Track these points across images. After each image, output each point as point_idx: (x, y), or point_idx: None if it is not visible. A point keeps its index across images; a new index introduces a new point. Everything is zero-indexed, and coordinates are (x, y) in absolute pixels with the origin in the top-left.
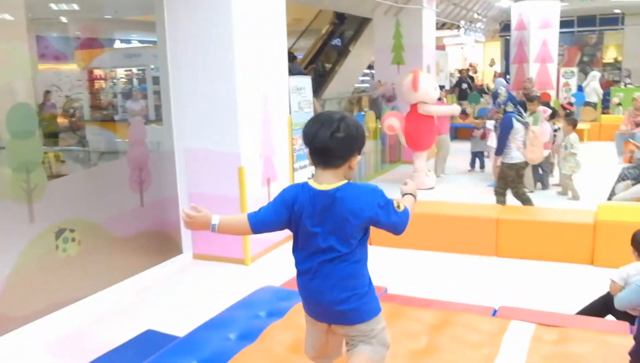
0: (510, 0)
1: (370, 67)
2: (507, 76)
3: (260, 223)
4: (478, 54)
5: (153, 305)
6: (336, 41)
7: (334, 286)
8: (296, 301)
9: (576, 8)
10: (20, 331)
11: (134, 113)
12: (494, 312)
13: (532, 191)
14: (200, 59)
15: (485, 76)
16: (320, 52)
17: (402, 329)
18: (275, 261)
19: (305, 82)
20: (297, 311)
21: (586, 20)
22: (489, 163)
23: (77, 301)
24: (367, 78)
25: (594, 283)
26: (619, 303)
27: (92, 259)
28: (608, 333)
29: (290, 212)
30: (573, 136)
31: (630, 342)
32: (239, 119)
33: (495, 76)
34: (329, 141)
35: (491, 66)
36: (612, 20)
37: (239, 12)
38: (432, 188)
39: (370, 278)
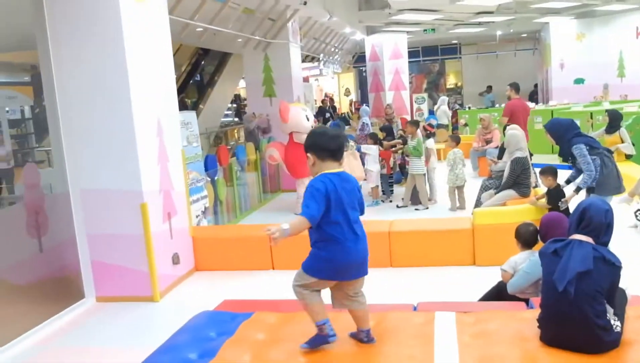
0: (363, 33)
1: (233, 101)
2: (364, 104)
3: (315, 218)
4: (333, 84)
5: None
6: (196, 77)
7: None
8: (240, 320)
9: (420, 39)
10: None
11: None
12: (415, 308)
13: (406, 206)
14: (93, 97)
15: (342, 105)
16: (183, 89)
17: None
18: (184, 293)
19: (191, 117)
20: (247, 327)
21: (430, 50)
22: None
23: None
24: (230, 112)
25: (478, 279)
26: (511, 288)
27: None
28: (512, 311)
29: (328, 201)
30: (455, 152)
31: (531, 315)
32: (139, 156)
33: (352, 105)
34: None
35: (347, 95)
36: (452, 50)
37: (131, 49)
38: None
39: None
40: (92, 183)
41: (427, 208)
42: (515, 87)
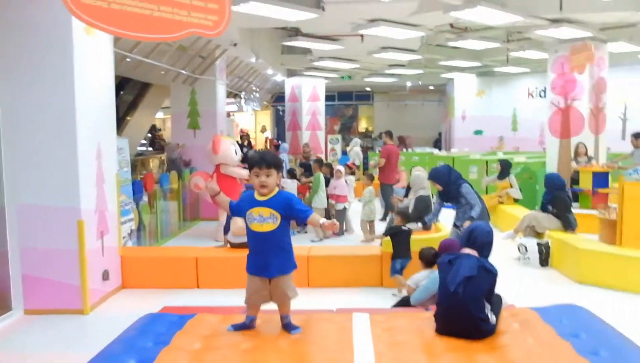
0: (283, 75)
1: (149, 131)
2: (282, 142)
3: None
4: (250, 121)
5: None
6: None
7: None
8: (186, 319)
9: (337, 85)
10: None
11: None
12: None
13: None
14: (39, 119)
15: (257, 142)
16: None
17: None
18: (113, 307)
19: (124, 143)
20: (194, 324)
21: (345, 96)
22: None
23: None
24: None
25: (386, 297)
26: (413, 301)
27: None
28: (415, 313)
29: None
30: (370, 190)
31: (429, 315)
32: (79, 176)
33: (267, 141)
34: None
35: (262, 132)
36: (365, 97)
37: (79, 76)
38: None
39: None
40: (30, 199)
41: (321, 239)
42: (390, 134)
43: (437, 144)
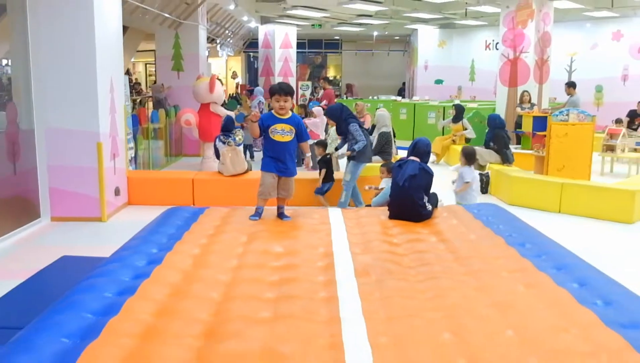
0: (257, 22)
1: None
2: (249, 87)
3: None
4: (221, 66)
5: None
6: None
7: None
8: (200, 211)
9: (308, 33)
10: None
11: None
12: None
13: None
14: (64, 55)
15: (227, 87)
16: None
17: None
18: (124, 217)
19: (125, 80)
20: (207, 215)
21: (315, 44)
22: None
23: None
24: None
25: None
26: (374, 203)
27: None
28: (374, 209)
29: None
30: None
31: (384, 209)
32: (98, 105)
33: (238, 87)
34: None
35: (233, 78)
36: (334, 45)
37: (98, 18)
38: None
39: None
40: (56, 123)
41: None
42: (327, 80)
43: (401, 92)
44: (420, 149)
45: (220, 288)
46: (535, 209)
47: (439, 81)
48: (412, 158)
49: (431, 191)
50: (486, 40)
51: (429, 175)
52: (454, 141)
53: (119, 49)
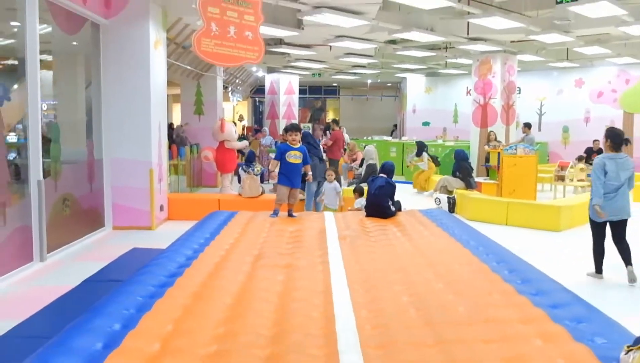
0: (264, 72)
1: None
2: (257, 127)
3: None
4: (229, 110)
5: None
6: None
7: None
8: (232, 214)
9: (308, 80)
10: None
11: None
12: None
13: None
14: (127, 101)
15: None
16: None
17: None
18: (168, 227)
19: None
20: (239, 216)
21: (315, 90)
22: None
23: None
24: None
25: None
26: (357, 205)
27: (67, 221)
28: (356, 212)
29: None
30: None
31: (362, 211)
32: (151, 140)
33: (244, 129)
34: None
35: (240, 120)
36: (332, 91)
37: (153, 73)
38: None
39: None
40: (119, 154)
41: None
42: (336, 122)
43: (393, 133)
44: (387, 169)
45: (254, 254)
46: (488, 223)
47: (426, 123)
48: (381, 175)
49: (396, 199)
50: (467, 87)
51: (393, 186)
52: (408, 167)
53: (164, 98)
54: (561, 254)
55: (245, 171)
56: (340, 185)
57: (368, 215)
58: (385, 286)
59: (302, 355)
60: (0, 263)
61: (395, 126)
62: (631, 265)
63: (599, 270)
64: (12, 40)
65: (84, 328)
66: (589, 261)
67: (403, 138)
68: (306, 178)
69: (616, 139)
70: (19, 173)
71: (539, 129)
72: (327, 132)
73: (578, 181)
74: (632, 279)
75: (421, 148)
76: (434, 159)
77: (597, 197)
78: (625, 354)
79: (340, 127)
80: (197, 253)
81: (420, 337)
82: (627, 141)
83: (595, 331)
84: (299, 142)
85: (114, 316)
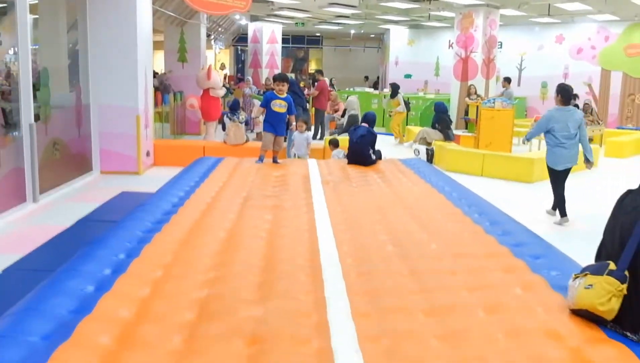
0: (247, 20)
1: None
2: (240, 76)
3: None
4: (210, 58)
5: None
6: None
7: None
8: (219, 160)
9: (291, 30)
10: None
11: None
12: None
13: None
14: (113, 46)
15: None
16: None
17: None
18: (154, 172)
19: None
20: (225, 162)
21: (298, 39)
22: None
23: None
24: None
25: None
26: (341, 155)
27: (57, 164)
28: (338, 160)
29: None
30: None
31: (344, 159)
32: (138, 86)
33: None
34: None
35: (222, 69)
36: (315, 41)
37: (139, 19)
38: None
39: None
40: (106, 100)
41: None
42: (320, 72)
43: (376, 85)
44: (369, 118)
45: (242, 195)
46: (464, 174)
47: (407, 76)
48: (363, 124)
49: (377, 148)
50: (449, 40)
51: (374, 136)
52: (390, 115)
53: (150, 45)
54: (532, 203)
55: (230, 119)
56: (323, 135)
57: (350, 163)
58: (365, 225)
59: (291, 282)
60: None
61: (378, 77)
62: (561, 209)
63: (563, 213)
64: None
65: (94, 256)
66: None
67: (385, 90)
68: (290, 127)
69: (565, 94)
70: (7, 117)
71: (519, 84)
72: (314, 83)
73: None
74: (563, 220)
75: (395, 89)
76: (406, 103)
77: (529, 135)
78: (573, 281)
79: (330, 79)
80: (188, 194)
81: (395, 268)
82: (576, 96)
83: (551, 265)
84: (286, 92)
85: (117, 248)
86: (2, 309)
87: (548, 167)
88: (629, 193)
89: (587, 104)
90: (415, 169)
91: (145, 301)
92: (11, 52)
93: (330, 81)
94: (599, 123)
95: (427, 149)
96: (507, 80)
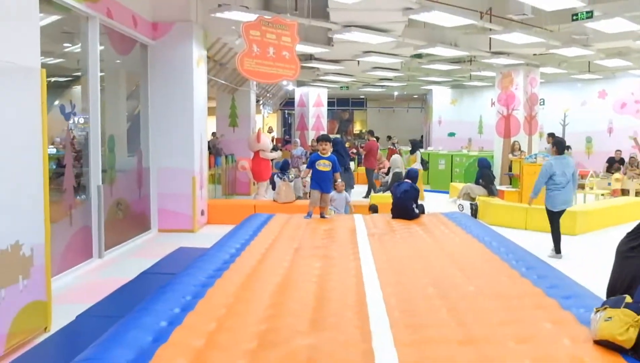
0: (294, 85)
1: None
2: (287, 138)
3: None
4: (259, 122)
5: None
6: None
7: None
8: (269, 217)
9: (336, 93)
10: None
11: None
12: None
13: None
14: (172, 115)
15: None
16: None
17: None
18: (208, 230)
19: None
20: (276, 218)
21: (342, 102)
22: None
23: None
24: None
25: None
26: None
27: (120, 223)
28: (382, 214)
29: None
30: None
31: (389, 213)
32: (194, 151)
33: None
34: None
35: (269, 132)
36: (360, 103)
37: (196, 90)
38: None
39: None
40: (165, 163)
41: None
42: (371, 132)
43: (420, 144)
44: (411, 175)
45: (293, 247)
46: (509, 228)
47: (451, 134)
48: (406, 180)
49: (420, 202)
50: (491, 99)
51: (416, 191)
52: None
53: (205, 111)
54: (573, 253)
55: (280, 178)
56: (369, 193)
57: (394, 217)
58: (407, 270)
59: (340, 318)
60: (67, 258)
61: (422, 136)
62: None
63: (558, 250)
64: (61, 60)
65: (164, 299)
66: (595, 261)
67: (429, 148)
68: (335, 184)
69: (560, 146)
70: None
71: None
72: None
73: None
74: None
75: (415, 146)
76: (424, 162)
77: (535, 192)
78: (595, 314)
79: (390, 138)
80: (244, 246)
81: (435, 306)
82: (569, 147)
83: (580, 304)
84: (329, 151)
85: (184, 291)
86: (77, 351)
87: (547, 210)
88: (626, 236)
89: (632, 157)
90: (457, 221)
91: (212, 334)
92: (77, 120)
93: (392, 141)
94: None
95: (471, 204)
96: (552, 135)
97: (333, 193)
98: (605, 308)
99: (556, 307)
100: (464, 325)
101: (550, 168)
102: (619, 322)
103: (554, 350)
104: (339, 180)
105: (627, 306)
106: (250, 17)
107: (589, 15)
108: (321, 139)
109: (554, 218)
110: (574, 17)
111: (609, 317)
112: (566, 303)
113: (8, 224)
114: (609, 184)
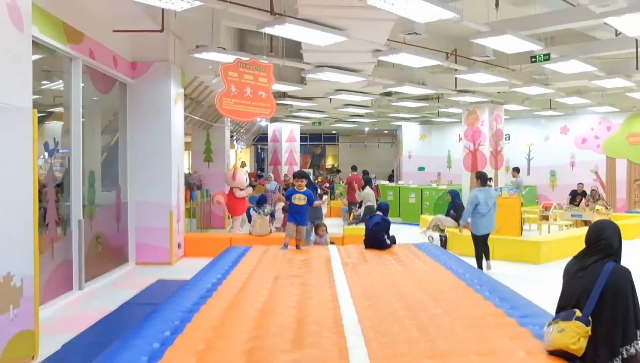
0: (267, 121)
1: None
2: (260, 173)
3: None
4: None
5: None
6: None
7: None
8: (247, 249)
9: (309, 128)
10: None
11: None
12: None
13: None
14: (150, 149)
15: None
16: None
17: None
18: (185, 262)
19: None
20: (254, 249)
21: (315, 137)
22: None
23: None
24: None
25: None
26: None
27: (99, 256)
28: (356, 246)
29: None
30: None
31: (362, 244)
32: (171, 185)
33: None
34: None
35: (242, 166)
36: (332, 138)
37: (173, 126)
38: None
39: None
40: (142, 197)
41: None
42: (353, 168)
43: (391, 178)
44: (382, 208)
45: (273, 274)
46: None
47: (421, 168)
48: (377, 212)
49: (391, 234)
50: (459, 135)
51: (388, 223)
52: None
53: (182, 148)
54: (535, 279)
55: (256, 211)
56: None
57: (367, 247)
58: (380, 295)
59: (319, 338)
60: (49, 290)
61: (393, 171)
62: (488, 259)
63: (480, 266)
64: (37, 96)
65: (154, 324)
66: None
67: (400, 182)
68: (318, 229)
69: (482, 178)
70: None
71: (528, 173)
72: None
73: (562, 220)
74: (488, 267)
75: (367, 181)
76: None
77: (464, 219)
78: (547, 327)
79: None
80: (224, 276)
81: (406, 326)
82: (490, 179)
83: (536, 322)
84: (305, 187)
85: (172, 317)
86: None
87: (472, 234)
88: (573, 259)
89: (594, 190)
90: (427, 251)
91: (202, 353)
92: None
93: (369, 176)
94: (607, 208)
95: (440, 236)
96: (516, 170)
97: (315, 237)
98: (557, 321)
99: (514, 325)
100: (432, 342)
101: (476, 198)
102: (571, 333)
103: (511, 362)
104: (318, 201)
105: (578, 319)
106: (227, 57)
107: (547, 57)
108: (297, 175)
109: (478, 241)
110: (533, 59)
111: (562, 329)
112: (524, 322)
113: (0, 256)
114: (573, 215)
